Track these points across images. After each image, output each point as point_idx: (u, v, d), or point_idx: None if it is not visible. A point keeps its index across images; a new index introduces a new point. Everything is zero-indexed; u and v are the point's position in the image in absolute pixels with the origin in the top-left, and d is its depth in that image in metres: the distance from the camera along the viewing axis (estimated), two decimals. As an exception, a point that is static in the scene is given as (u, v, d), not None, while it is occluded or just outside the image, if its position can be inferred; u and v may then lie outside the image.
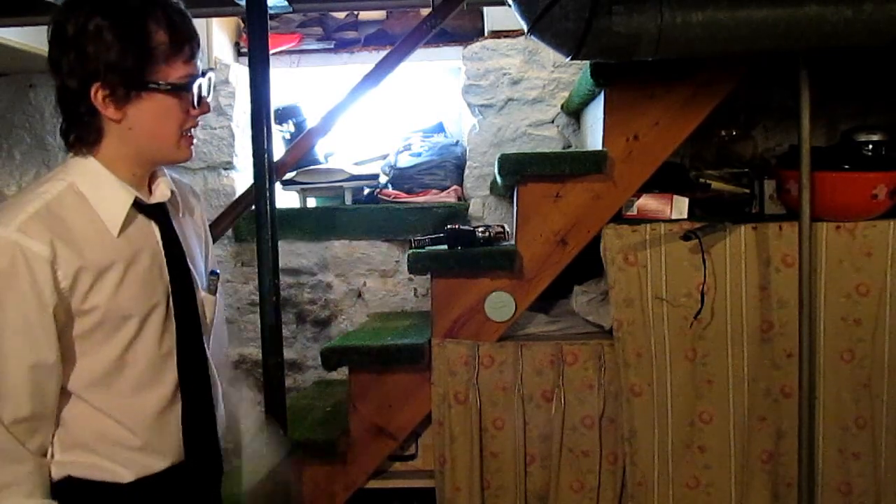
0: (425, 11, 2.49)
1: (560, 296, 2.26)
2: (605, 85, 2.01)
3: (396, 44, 2.20)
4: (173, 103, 1.16)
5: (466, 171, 2.90)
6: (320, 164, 2.92)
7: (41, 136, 3.12)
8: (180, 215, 1.29)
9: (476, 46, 2.85)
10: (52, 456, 1.18)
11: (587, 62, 1.99)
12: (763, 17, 1.65)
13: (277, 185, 2.13)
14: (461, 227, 2.19)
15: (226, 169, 3.10)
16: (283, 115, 3.01)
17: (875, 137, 1.99)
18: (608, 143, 2.01)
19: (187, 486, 1.27)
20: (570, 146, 2.82)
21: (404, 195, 2.85)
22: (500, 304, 2.05)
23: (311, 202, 2.97)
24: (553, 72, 2.83)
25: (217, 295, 1.36)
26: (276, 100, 2.60)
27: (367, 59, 2.80)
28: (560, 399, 2.04)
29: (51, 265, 1.09)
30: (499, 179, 2.13)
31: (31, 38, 2.61)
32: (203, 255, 1.35)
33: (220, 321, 1.44)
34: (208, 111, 1.22)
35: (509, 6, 1.75)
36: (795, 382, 1.91)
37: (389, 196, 2.84)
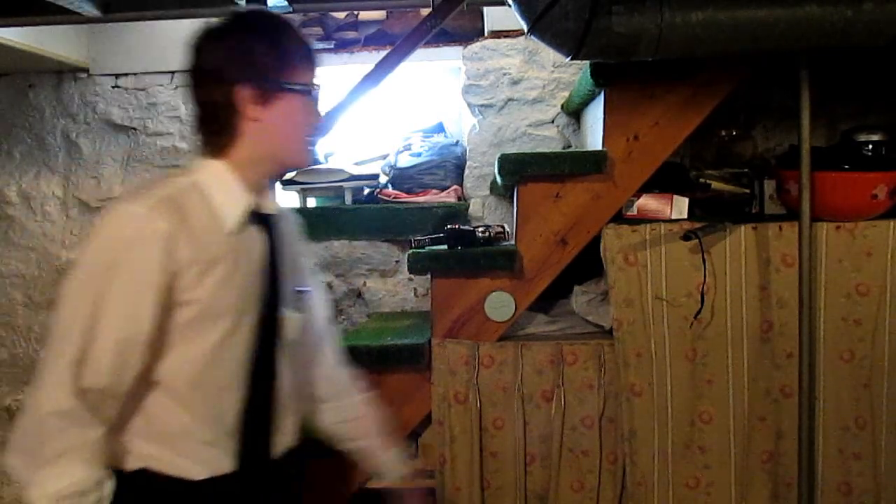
0: (425, 11, 2.48)
1: (560, 296, 2.26)
2: (605, 85, 2.01)
3: (396, 44, 2.20)
4: (302, 106, 1.28)
5: (466, 171, 2.90)
6: (320, 164, 2.91)
7: (41, 136, 3.12)
8: (281, 232, 1.36)
9: (476, 46, 2.85)
10: (130, 445, 1.23)
11: (587, 62, 1.99)
12: (763, 17, 1.65)
13: (277, 185, 2.13)
14: (461, 227, 2.18)
15: (226, 169, 3.10)
16: (283, 115, 3.00)
17: (875, 137, 1.99)
18: (608, 143, 2.01)
19: (249, 491, 1.31)
20: (570, 146, 2.82)
21: (404, 195, 2.84)
22: (500, 304, 2.05)
23: (311, 202, 2.97)
24: (553, 72, 2.83)
25: (305, 312, 1.42)
26: (276, 100, 2.60)
27: (367, 59, 2.80)
28: (560, 399, 2.04)
29: (168, 246, 1.16)
30: (499, 179, 2.13)
31: (31, 38, 2.61)
32: (293, 273, 1.40)
33: (315, 333, 1.49)
34: (322, 121, 1.37)
35: (509, 6, 1.75)
36: (795, 382, 1.91)
37: (389, 196, 2.84)
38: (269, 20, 1.29)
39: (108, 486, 1.19)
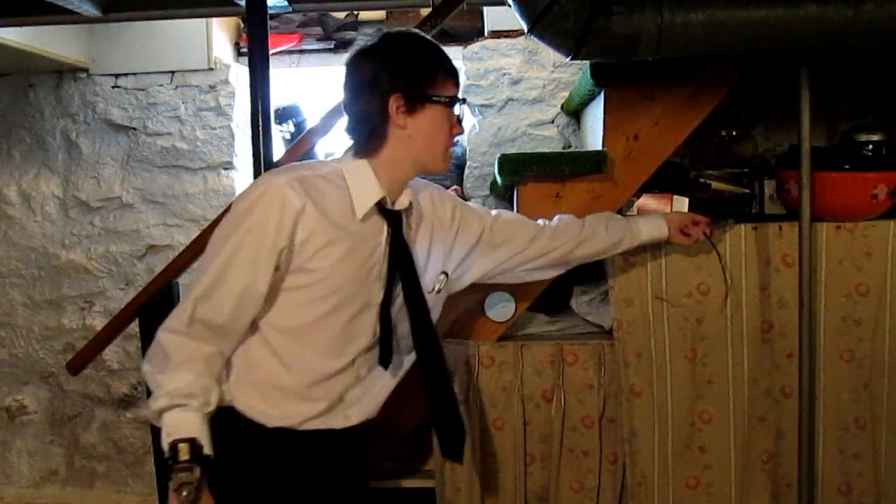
0: (425, 11, 2.49)
1: (560, 296, 2.26)
2: (605, 85, 2.01)
3: (396, 44, 2.19)
4: (444, 117, 1.44)
5: (466, 171, 2.91)
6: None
7: (41, 136, 3.12)
8: (414, 225, 1.54)
9: (476, 46, 2.85)
10: (227, 383, 1.42)
11: (587, 62, 1.99)
12: (763, 17, 1.64)
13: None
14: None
15: (226, 169, 3.10)
16: (283, 115, 3.01)
17: (875, 137, 1.99)
18: (608, 143, 2.01)
19: (316, 449, 1.49)
20: (570, 146, 2.82)
21: (404, 195, 2.84)
22: (500, 304, 2.05)
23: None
24: (553, 72, 2.84)
25: (438, 293, 1.61)
26: (276, 100, 2.60)
27: (367, 59, 2.80)
28: (560, 399, 2.04)
29: (296, 217, 1.34)
30: (499, 179, 2.12)
31: (31, 38, 2.62)
32: (435, 256, 1.59)
33: (503, 243, 1.74)
34: (462, 133, 1.51)
35: (509, 6, 1.75)
36: (795, 382, 1.91)
37: (389, 196, 2.84)
38: (416, 39, 1.45)
39: (214, 395, 1.38)
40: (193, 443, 1.33)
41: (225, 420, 1.41)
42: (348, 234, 1.40)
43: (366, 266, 1.44)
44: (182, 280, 2.23)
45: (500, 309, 2.06)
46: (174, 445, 1.32)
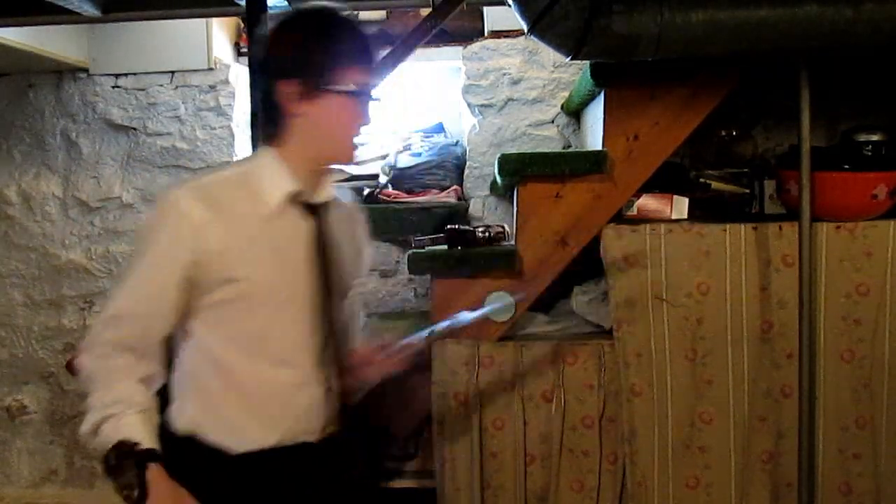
0: (425, 11, 2.48)
1: (560, 296, 2.26)
2: (605, 85, 2.02)
3: (396, 44, 2.19)
4: (346, 108, 1.32)
5: (466, 171, 2.90)
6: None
7: (41, 136, 3.12)
8: (336, 223, 1.40)
9: (476, 46, 2.85)
10: (184, 410, 1.35)
11: (587, 62, 1.99)
12: (763, 17, 1.65)
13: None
14: (461, 227, 2.18)
15: (226, 169, 3.09)
16: (283, 115, 2.99)
17: (875, 137, 1.99)
18: (608, 143, 2.01)
19: (285, 470, 1.37)
20: (570, 146, 2.82)
21: (404, 195, 2.84)
22: (500, 304, 2.05)
23: (311, 202, 2.97)
24: (553, 72, 2.83)
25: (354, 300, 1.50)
26: (276, 100, 2.59)
27: (367, 59, 2.80)
28: (560, 399, 2.04)
29: (198, 229, 1.26)
30: (499, 179, 2.13)
31: (31, 38, 2.61)
32: (355, 265, 1.48)
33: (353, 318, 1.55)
34: (369, 123, 1.39)
35: (509, 6, 1.75)
36: (795, 382, 1.91)
37: (389, 196, 2.84)
38: (326, 19, 1.31)
39: (139, 395, 1.31)
40: (122, 444, 1.28)
41: (187, 450, 1.34)
42: (267, 235, 1.31)
43: (293, 263, 1.34)
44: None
45: (501, 309, 2.05)
46: (107, 455, 1.28)
